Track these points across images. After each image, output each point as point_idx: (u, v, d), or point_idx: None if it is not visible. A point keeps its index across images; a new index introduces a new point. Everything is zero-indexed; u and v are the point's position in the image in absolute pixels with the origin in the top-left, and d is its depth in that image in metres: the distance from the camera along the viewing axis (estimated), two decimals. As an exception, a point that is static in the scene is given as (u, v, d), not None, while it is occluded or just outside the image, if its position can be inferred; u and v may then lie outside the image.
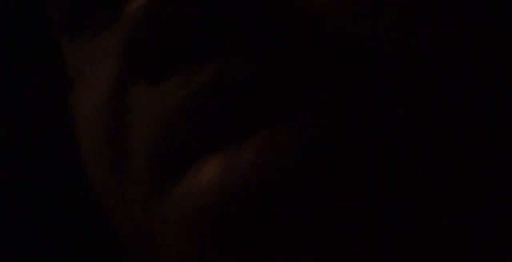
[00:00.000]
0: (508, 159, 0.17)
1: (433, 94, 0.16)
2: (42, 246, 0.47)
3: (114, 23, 0.19)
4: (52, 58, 0.33)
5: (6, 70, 0.45)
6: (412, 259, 0.16)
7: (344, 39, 0.15)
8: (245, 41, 0.15)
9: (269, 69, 0.15)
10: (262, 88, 0.15)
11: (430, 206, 0.16)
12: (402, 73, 0.15)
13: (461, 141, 0.16)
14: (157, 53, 0.15)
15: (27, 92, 0.47)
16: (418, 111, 0.15)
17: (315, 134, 0.15)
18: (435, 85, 0.16)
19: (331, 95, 0.15)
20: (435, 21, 0.16)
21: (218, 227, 0.15)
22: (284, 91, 0.15)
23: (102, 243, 0.38)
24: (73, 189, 0.45)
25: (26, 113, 0.47)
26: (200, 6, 0.15)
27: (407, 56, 0.15)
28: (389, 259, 0.16)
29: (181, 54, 0.15)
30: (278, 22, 0.15)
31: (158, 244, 0.17)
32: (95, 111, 0.19)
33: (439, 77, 0.16)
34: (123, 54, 0.16)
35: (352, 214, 0.15)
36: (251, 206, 0.15)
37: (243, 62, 0.15)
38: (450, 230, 0.16)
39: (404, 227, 0.16)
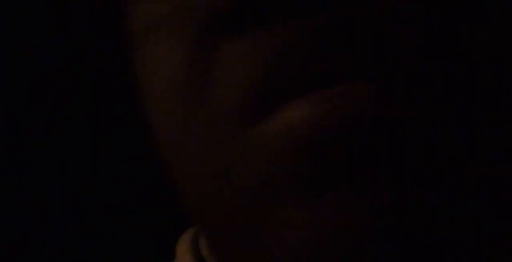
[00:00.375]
0: None
1: None
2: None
3: None
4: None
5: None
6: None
7: None
8: None
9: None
10: (346, 43, 0.16)
11: None
12: None
13: None
14: (247, 7, 0.17)
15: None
16: None
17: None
18: None
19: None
20: None
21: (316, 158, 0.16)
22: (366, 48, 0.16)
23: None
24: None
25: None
26: None
27: None
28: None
29: (267, 9, 0.17)
30: None
31: (235, 186, 0.18)
32: (172, 78, 0.20)
33: None
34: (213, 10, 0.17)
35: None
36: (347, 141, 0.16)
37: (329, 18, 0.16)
38: None
39: None
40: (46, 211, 0.50)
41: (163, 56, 0.20)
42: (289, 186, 0.16)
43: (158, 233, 0.50)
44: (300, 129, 0.16)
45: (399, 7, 0.16)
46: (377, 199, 0.16)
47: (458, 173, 0.16)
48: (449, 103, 0.16)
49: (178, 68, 0.19)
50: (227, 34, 0.18)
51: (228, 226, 0.19)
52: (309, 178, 0.16)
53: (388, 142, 0.16)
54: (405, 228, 0.16)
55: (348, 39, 0.16)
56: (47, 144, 0.48)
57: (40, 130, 0.50)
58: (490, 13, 0.17)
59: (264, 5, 0.16)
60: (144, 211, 0.51)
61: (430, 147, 0.16)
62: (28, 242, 0.49)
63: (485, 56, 0.17)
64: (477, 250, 0.17)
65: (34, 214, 0.50)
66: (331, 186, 0.16)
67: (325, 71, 0.16)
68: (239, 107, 0.17)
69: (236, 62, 0.18)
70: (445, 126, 0.16)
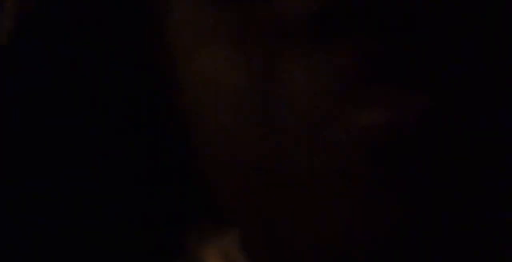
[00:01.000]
0: None
1: None
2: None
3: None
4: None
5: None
6: None
7: None
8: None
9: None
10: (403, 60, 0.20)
11: None
12: None
13: None
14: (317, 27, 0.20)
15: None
16: None
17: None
18: None
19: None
20: None
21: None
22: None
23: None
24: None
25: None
26: None
27: None
28: None
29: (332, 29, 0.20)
30: None
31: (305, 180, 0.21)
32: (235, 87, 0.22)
33: None
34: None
35: None
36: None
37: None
38: None
39: None
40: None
41: (222, 65, 0.22)
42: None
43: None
44: (379, 130, 0.19)
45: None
46: None
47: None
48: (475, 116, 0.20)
49: (242, 75, 0.22)
50: (295, 46, 0.20)
51: (262, 212, 0.22)
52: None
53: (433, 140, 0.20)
54: None
55: (410, 57, 0.19)
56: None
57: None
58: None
59: (335, 23, 0.19)
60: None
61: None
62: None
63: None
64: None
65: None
66: None
67: (383, 84, 0.20)
68: (309, 112, 0.20)
69: (307, 71, 0.20)
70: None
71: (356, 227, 0.21)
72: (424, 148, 0.20)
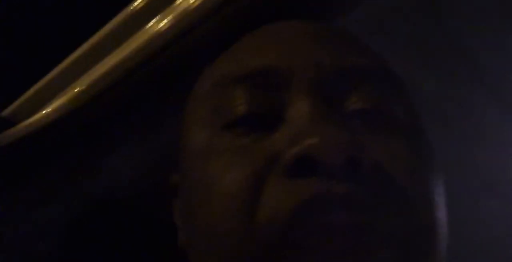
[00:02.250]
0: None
1: None
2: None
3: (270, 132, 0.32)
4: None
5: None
6: None
7: None
8: None
9: None
10: None
11: None
12: None
13: None
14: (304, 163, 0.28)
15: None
16: None
17: None
18: None
19: None
20: None
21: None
22: None
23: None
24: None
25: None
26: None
27: None
28: None
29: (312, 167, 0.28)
30: None
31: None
32: (229, 200, 0.30)
33: None
34: (288, 160, 0.29)
35: None
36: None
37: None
38: None
39: None
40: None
41: (228, 174, 0.30)
42: None
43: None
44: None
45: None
46: None
47: None
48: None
49: (240, 185, 0.30)
50: (280, 175, 0.29)
51: None
52: None
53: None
54: None
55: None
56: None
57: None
58: None
59: (307, 167, 0.28)
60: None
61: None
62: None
63: None
64: None
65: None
66: None
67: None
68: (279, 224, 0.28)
69: (281, 194, 0.28)
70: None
71: None
72: None
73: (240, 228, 0.29)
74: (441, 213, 0.32)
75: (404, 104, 0.35)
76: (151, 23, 0.43)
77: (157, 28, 0.42)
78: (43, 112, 0.48)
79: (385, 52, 0.38)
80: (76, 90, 0.47)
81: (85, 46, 0.48)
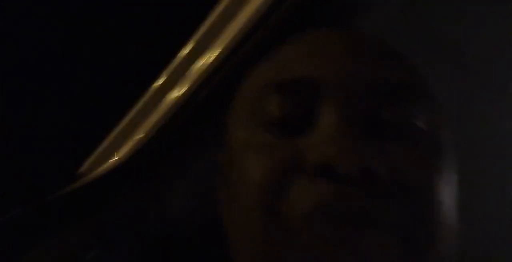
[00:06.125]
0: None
1: None
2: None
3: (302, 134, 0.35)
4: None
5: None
6: None
7: None
8: None
9: None
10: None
11: None
12: None
13: None
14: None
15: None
16: None
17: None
18: None
19: None
20: None
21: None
22: None
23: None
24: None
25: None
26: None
27: None
28: None
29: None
30: None
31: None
32: (257, 188, 0.34)
33: None
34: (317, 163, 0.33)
35: None
36: None
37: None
38: None
39: None
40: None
41: (253, 169, 0.35)
42: None
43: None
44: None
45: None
46: None
47: None
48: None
49: (263, 183, 0.34)
50: (300, 177, 0.33)
51: None
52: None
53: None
54: None
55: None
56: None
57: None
58: None
59: (327, 172, 0.32)
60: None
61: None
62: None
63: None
64: None
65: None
66: None
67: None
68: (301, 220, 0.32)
69: (302, 193, 0.33)
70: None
71: None
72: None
73: (265, 214, 0.33)
74: (447, 213, 0.34)
75: (429, 118, 0.36)
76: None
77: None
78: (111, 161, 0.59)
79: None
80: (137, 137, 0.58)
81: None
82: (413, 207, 0.33)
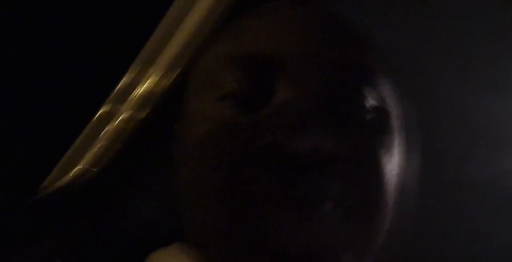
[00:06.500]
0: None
1: None
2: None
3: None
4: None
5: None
6: None
7: None
8: None
9: None
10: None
11: None
12: None
13: None
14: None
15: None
16: None
17: None
18: None
19: None
20: None
21: None
22: None
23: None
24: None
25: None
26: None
27: None
28: None
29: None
30: None
31: None
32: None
33: None
34: None
35: None
36: None
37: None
38: None
39: None
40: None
41: (208, 143, 0.36)
42: None
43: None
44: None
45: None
46: None
47: None
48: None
49: (217, 157, 0.35)
50: (254, 153, 0.34)
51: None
52: None
53: None
54: None
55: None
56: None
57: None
58: None
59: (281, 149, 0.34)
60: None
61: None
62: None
63: None
64: None
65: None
66: None
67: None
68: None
69: (256, 174, 0.33)
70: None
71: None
72: None
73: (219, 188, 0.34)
74: (391, 186, 0.36)
75: (381, 98, 0.37)
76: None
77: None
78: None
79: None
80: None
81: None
82: (355, 180, 0.34)
